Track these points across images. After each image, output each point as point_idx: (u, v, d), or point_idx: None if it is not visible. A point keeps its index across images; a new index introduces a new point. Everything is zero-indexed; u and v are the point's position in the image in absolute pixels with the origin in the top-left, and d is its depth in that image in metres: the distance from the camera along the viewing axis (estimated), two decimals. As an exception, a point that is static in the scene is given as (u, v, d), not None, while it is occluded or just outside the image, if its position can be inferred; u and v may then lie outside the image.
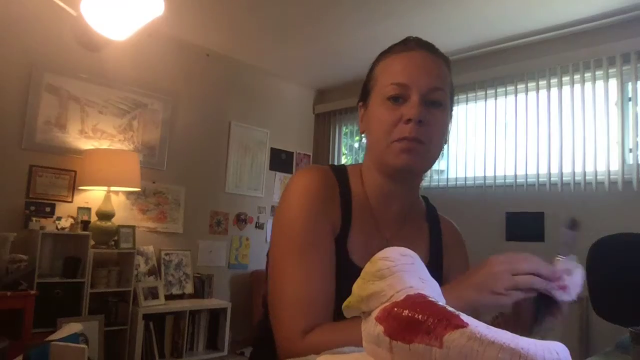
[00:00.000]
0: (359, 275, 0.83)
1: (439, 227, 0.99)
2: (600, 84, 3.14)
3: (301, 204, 0.85)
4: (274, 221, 0.89)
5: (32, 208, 3.13)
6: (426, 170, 0.91)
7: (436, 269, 0.93)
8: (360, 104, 0.93)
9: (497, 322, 0.78)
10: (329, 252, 0.83)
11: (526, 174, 3.38)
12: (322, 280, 0.79)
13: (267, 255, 0.91)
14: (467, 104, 3.83)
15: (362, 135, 0.93)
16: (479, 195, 3.56)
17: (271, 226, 0.90)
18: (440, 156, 0.88)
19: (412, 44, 0.87)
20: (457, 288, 0.69)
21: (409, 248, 0.79)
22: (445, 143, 0.88)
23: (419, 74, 0.83)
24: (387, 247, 0.85)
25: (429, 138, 0.82)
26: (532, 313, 0.71)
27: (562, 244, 0.75)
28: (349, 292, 0.71)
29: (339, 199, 0.89)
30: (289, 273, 0.80)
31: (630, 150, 3.01)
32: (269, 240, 4.21)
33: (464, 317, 0.41)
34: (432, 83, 0.83)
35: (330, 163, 4.84)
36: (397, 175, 0.87)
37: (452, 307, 0.60)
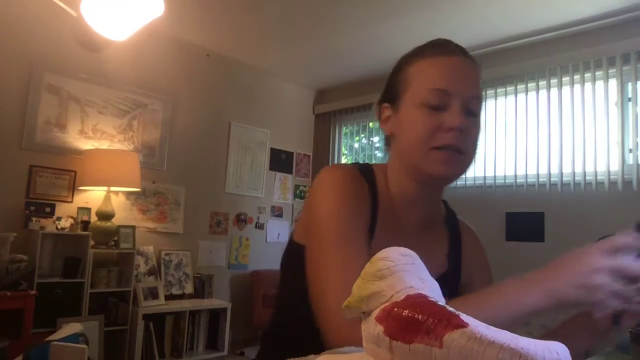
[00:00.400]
0: None
1: (458, 234, 0.97)
2: (600, 84, 3.14)
3: (339, 197, 0.82)
4: (306, 218, 0.85)
5: (32, 208, 3.13)
6: (460, 178, 0.89)
7: (454, 278, 0.91)
8: (386, 105, 0.89)
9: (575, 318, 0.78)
10: (366, 244, 0.81)
11: (526, 174, 3.38)
12: None
13: (287, 254, 0.90)
14: (467, 104, 3.83)
15: (388, 137, 0.89)
16: (479, 195, 3.56)
17: (296, 224, 0.87)
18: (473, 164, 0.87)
19: (450, 48, 0.85)
20: (545, 280, 0.63)
21: (428, 254, 0.75)
22: (477, 153, 0.87)
23: (459, 81, 0.81)
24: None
25: (467, 147, 0.81)
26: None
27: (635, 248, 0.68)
28: None
29: (368, 197, 0.87)
30: (334, 263, 0.76)
31: (630, 151, 3.01)
32: (269, 240, 4.19)
33: (464, 317, 0.41)
34: (472, 92, 0.81)
35: (330, 163, 4.86)
36: (431, 182, 0.85)
37: (538, 301, 0.59)
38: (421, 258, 0.84)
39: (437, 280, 0.78)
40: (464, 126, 0.78)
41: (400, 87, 0.85)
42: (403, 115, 0.84)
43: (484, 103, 3.67)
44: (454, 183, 3.53)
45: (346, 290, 0.73)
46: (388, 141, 0.90)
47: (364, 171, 0.90)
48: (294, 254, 0.87)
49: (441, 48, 0.85)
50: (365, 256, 0.77)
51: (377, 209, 0.87)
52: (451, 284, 0.90)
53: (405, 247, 0.84)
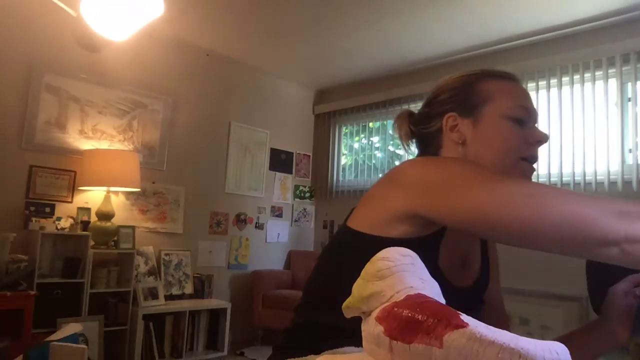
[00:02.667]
0: (449, 290, 0.67)
1: None
2: (600, 84, 3.14)
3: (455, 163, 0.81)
4: (382, 200, 0.80)
5: (32, 208, 3.13)
6: None
7: (486, 273, 0.97)
8: (451, 114, 0.92)
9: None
10: None
11: (526, 174, 3.38)
12: None
13: (341, 244, 0.86)
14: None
15: (460, 144, 0.91)
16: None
17: (356, 212, 0.85)
18: None
19: (517, 79, 0.96)
20: None
21: (473, 254, 0.83)
22: None
23: (533, 104, 0.93)
24: (465, 257, 0.91)
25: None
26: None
27: None
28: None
29: None
30: (511, 185, 0.70)
31: (630, 151, 3.01)
32: (268, 240, 4.18)
33: (464, 317, 0.41)
34: (537, 115, 0.94)
35: (330, 163, 4.86)
36: None
37: None
38: (470, 260, 0.90)
39: (478, 278, 0.87)
40: (547, 138, 0.90)
41: (477, 99, 0.91)
42: (487, 126, 0.90)
43: None
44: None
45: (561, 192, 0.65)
46: (428, 147, 0.94)
47: None
48: (352, 242, 0.82)
49: (514, 77, 0.96)
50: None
51: None
52: (487, 282, 0.97)
53: (461, 251, 0.88)
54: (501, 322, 1.09)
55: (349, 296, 0.75)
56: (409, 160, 0.83)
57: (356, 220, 0.84)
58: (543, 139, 0.88)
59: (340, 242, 0.87)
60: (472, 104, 0.91)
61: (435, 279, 0.58)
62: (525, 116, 0.89)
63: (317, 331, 0.81)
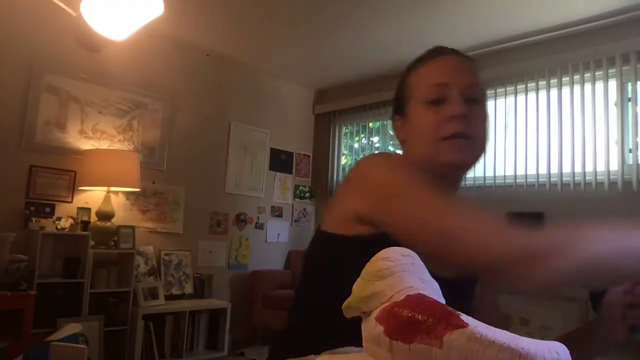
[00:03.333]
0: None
1: None
2: (600, 84, 3.14)
3: (399, 165, 0.83)
4: (350, 202, 0.82)
5: (32, 208, 3.13)
6: (474, 165, 0.92)
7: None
8: (397, 117, 0.95)
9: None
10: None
11: (526, 174, 3.38)
12: None
13: (318, 248, 0.87)
14: (467, 104, 3.83)
15: (401, 144, 0.94)
16: (479, 195, 3.56)
17: (327, 216, 0.86)
18: (485, 152, 0.90)
19: (442, 51, 0.92)
20: None
21: None
22: (488, 139, 0.90)
23: (455, 72, 0.87)
24: None
25: (475, 132, 0.85)
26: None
27: None
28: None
29: None
30: (434, 203, 0.73)
31: (630, 151, 3.01)
32: (268, 240, 4.18)
33: (464, 317, 0.41)
34: (469, 80, 0.87)
35: (330, 163, 4.86)
36: (448, 172, 0.87)
37: None
38: None
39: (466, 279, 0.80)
40: (465, 112, 0.83)
41: (405, 96, 0.92)
42: (411, 118, 0.89)
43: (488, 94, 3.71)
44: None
45: (466, 212, 0.72)
46: (404, 149, 0.95)
47: None
48: (328, 245, 0.84)
49: (436, 52, 0.92)
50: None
51: None
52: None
53: None
54: (495, 321, 1.07)
55: (326, 295, 0.75)
56: (364, 159, 0.87)
57: (326, 221, 0.88)
58: (456, 112, 0.83)
59: (313, 243, 0.90)
60: (403, 103, 0.93)
61: None
62: (440, 94, 0.85)
63: (307, 332, 0.82)
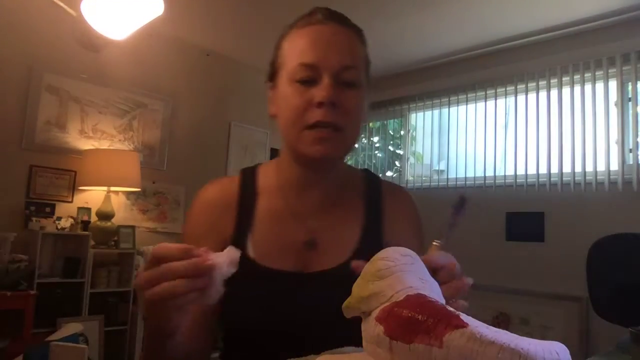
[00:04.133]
0: (264, 275, 0.78)
1: (378, 201, 0.88)
2: (600, 84, 3.13)
3: (184, 232, 0.87)
4: None
5: (32, 208, 3.12)
6: (344, 156, 0.86)
7: (372, 245, 0.78)
8: (269, 84, 0.86)
9: None
10: None
11: (526, 174, 3.38)
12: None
13: None
14: (467, 104, 3.83)
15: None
16: (479, 195, 3.56)
17: None
18: (358, 140, 0.81)
19: (319, 17, 0.79)
20: None
21: (337, 233, 0.71)
22: (364, 124, 0.81)
23: (328, 51, 0.75)
24: (311, 237, 0.81)
25: (344, 122, 0.76)
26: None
27: (447, 225, 0.66)
28: (257, 293, 0.68)
29: (235, 207, 0.85)
30: None
31: (630, 150, 3.01)
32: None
33: (464, 317, 0.41)
34: (344, 61, 0.76)
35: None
36: (312, 164, 0.81)
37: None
38: (326, 240, 0.78)
39: (352, 257, 0.75)
40: (335, 99, 0.73)
41: (277, 62, 0.83)
42: (279, 93, 0.80)
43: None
44: (454, 183, 3.51)
45: None
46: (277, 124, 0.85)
47: (245, 175, 0.90)
48: None
49: (310, 17, 0.80)
50: None
51: (253, 212, 0.84)
52: (370, 251, 0.84)
53: (302, 235, 0.81)
54: None
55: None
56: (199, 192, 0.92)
57: None
58: (323, 98, 0.73)
59: None
60: (275, 69, 0.84)
61: (245, 267, 0.62)
62: (310, 74, 0.75)
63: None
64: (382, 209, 0.87)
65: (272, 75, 0.84)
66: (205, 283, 0.54)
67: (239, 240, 0.81)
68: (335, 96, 0.74)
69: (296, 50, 0.78)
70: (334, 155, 0.78)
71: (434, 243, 0.64)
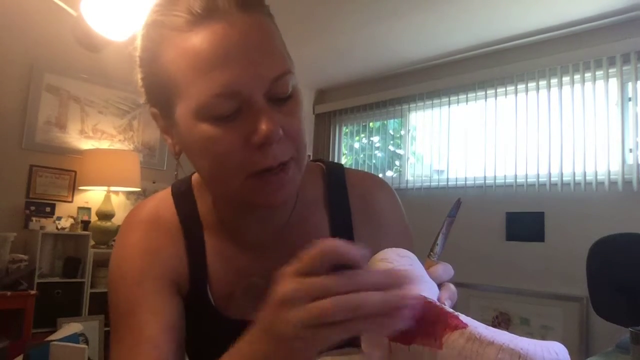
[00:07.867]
0: (230, 325, 0.59)
1: (345, 202, 0.72)
2: (600, 84, 3.13)
3: (118, 272, 0.68)
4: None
5: (32, 208, 3.13)
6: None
7: None
8: (153, 110, 0.65)
9: None
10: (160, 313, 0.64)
11: (526, 174, 3.38)
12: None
13: None
14: (467, 103, 3.83)
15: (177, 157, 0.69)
16: (479, 195, 3.56)
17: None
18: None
19: (217, 5, 0.54)
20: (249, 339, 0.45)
21: (301, 253, 0.44)
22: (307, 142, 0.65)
23: (248, 64, 0.52)
24: (272, 274, 0.51)
25: (296, 147, 0.58)
26: None
27: (443, 235, 0.58)
28: (225, 344, 0.48)
29: (180, 239, 0.69)
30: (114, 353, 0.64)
31: (630, 150, 3.01)
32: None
33: (463, 318, 0.41)
34: (273, 70, 0.55)
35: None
36: (262, 210, 0.66)
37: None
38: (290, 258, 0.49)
39: None
40: (278, 129, 0.54)
41: (166, 89, 0.58)
42: (187, 129, 0.57)
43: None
44: (454, 183, 3.50)
45: None
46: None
47: (181, 195, 0.73)
48: None
49: (196, 21, 0.53)
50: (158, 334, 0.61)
51: (203, 247, 0.69)
52: None
53: (261, 270, 0.68)
54: None
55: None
56: (125, 218, 0.73)
57: None
58: (267, 137, 0.52)
59: None
60: (163, 97, 0.60)
61: (207, 317, 0.60)
62: (231, 106, 0.53)
63: None
64: (351, 214, 0.72)
65: (159, 102, 0.62)
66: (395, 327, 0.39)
67: (197, 285, 0.68)
68: (279, 122, 0.54)
69: (197, 71, 0.53)
70: (293, 192, 0.63)
71: (432, 259, 0.56)
